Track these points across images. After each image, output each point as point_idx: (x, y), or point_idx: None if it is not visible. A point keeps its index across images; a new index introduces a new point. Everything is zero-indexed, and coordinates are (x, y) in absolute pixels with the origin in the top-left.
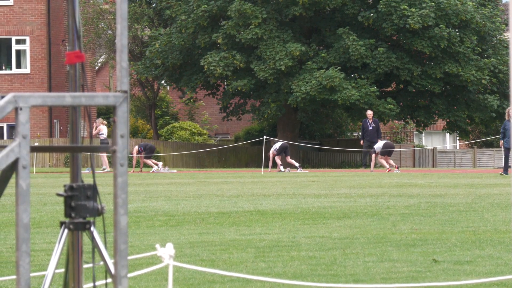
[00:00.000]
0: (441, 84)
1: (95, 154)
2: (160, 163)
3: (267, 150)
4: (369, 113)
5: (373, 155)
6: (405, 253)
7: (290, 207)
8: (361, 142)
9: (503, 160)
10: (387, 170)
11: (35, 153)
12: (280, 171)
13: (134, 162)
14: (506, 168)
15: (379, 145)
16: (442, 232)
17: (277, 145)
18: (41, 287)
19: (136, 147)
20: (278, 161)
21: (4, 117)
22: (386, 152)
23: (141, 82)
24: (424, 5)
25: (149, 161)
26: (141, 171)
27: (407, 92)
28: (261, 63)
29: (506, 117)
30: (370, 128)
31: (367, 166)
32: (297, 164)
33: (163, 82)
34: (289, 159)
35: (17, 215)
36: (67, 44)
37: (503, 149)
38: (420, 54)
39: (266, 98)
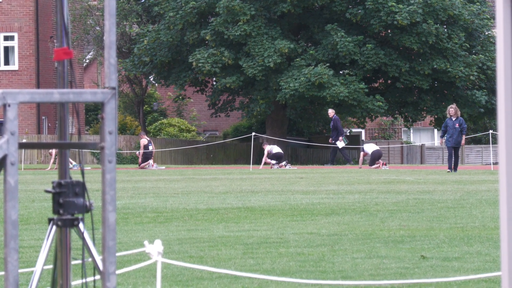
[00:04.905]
0: (429, 80)
1: (83, 150)
2: (150, 160)
3: (256, 147)
4: (329, 111)
5: (361, 153)
6: (393, 250)
7: (278, 203)
8: (330, 140)
9: (448, 158)
10: (381, 165)
11: (23, 150)
12: (273, 166)
13: (141, 153)
14: (452, 166)
15: (368, 149)
16: (430, 229)
17: (273, 149)
18: (30, 284)
19: (146, 142)
20: (269, 161)
21: None
22: (376, 158)
23: (129, 79)
24: (412, 1)
25: (143, 165)
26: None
27: (396, 88)
28: (249, 60)
29: (448, 115)
30: (331, 126)
31: (334, 163)
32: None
33: (151, 79)
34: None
35: (5, 211)
36: (55, 41)
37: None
38: (408, 51)
39: (255, 95)
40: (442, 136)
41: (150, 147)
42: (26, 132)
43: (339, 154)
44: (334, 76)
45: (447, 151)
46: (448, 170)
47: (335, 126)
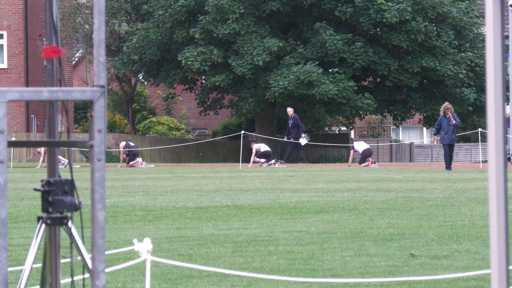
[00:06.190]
0: (418, 79)
1: (72, 149)
2: (139, 159)
3: (245, 145)
4: (288, 110)
5: (351, 151)
6: (382, 248)
7: (268, 201)
8: (285, 138)
9: (444, 156)
10: (370, 164)
11: (12, 148)
12: (262, 164)
13: (121, 157)
14: (449, 164)
15: (358, 147)
16: (420, 227)
17: (261, 148)
18: (19, 282)
19: (124, 143)
20: (257, 159)
21: None
22: (366, 157)
23: (118, 77)
24: None
25: (132, 163)
26: (120, 166)
27: (385, 86)
28: (238, 58)
29: (442, 113)
30: (289, 125)
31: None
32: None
33: (140, 77)
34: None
35: None
36: (44, 39)
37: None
38: (397, 49)
39: (244, 93)
40: (436, 134)
41: (132, 144)
42: (15, 131)
43: (294, 152)
44: (323, 74)
45: (437, 150)
46: (447, 169)
47: (296, 124)
